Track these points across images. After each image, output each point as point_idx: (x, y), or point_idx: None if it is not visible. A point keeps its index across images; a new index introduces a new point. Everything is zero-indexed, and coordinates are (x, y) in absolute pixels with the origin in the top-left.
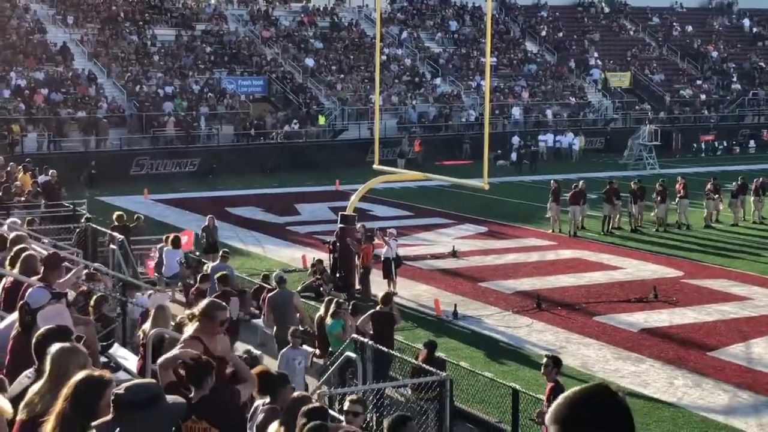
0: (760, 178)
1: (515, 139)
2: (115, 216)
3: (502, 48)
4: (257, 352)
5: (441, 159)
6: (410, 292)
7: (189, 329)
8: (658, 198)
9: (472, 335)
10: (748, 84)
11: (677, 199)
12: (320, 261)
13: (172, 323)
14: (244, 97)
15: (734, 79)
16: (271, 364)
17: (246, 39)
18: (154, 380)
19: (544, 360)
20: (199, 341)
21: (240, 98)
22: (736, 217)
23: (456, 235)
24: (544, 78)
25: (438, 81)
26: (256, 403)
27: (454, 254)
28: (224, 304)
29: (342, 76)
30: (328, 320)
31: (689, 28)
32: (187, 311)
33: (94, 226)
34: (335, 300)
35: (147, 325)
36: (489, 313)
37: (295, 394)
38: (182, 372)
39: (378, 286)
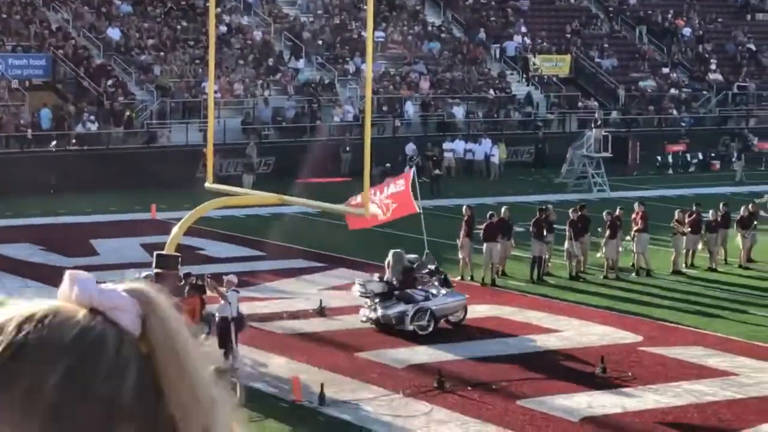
0: (749, 206)
1: (410, 148)
2: None
3: (392, 18)
4: None
5: (305, 175)
6: (258, 366)
7: None
8: (608, 232)
9: (345, 428)
10: (733, 73)
11: (633, 234)
12: None
13: None
14: (17, 83)
15: (713, 66)
16: None
17: (20, 0)
18: None
19: None
20: None
21: (11, 84)
22: (714, 259)
23: (325, 285)
24: (452, 62)
25: (300, 63)
26: None
27: (321, 312)
28: None
29: (162, 54)
30: None
31: None
32: None
33: None
34: None
35: None
36: (370, 396)
37: None
38: None
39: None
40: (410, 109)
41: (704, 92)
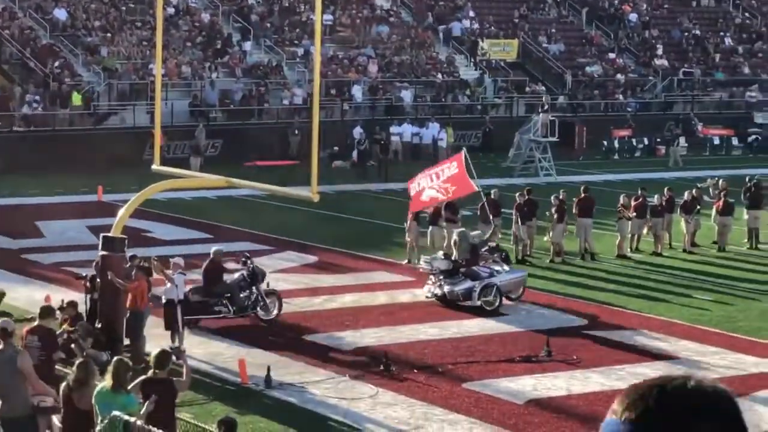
0: (693, 191)
1: (357, 131)
2: None
3: (341, 1)
4: None
5: (252, 158)
6: (204, 349)
7: None
8: (555, 216)
9: (291, 410)
10: (679, 59)
11: (578, 219)
12: (73, 304)
13: None
14: None
15: (659, 52)
16: None
17: None
18: None
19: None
20: None
21: None
22: (659, 243)
23: (272, 267)
24: (400, 45)
25: (249, 46)
26: None
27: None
28: None
29: (109, 35)
30: (107, 390)
31: None
32: None
33: None
34: (120, 362)
35: None
36: (316, 378)
37: None
38: None
39: (156, 341)
40: (357, 92)
41: (650, 78)
